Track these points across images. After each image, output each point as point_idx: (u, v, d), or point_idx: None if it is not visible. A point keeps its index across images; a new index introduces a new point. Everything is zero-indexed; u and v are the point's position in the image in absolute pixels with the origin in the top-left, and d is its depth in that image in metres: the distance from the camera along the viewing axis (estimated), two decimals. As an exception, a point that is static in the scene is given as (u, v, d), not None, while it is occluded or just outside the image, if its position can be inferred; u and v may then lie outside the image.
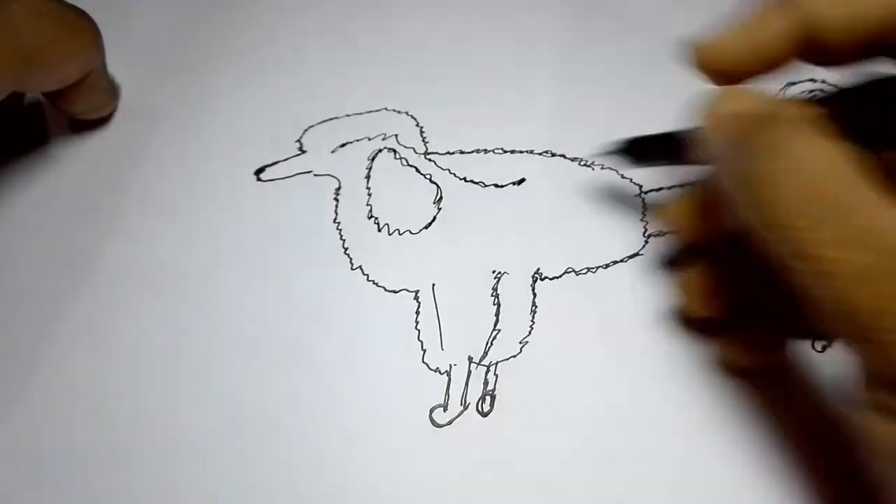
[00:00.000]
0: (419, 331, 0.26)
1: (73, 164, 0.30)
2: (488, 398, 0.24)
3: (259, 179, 0.29)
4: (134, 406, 0.25)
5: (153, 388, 0.25)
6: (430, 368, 0.25)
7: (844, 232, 0.15)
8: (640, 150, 0.25)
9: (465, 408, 0.24)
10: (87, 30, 0.27)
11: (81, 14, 0.27)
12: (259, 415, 0.24)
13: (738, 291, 0.22)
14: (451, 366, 0.25)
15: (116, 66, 0.31)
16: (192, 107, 0.31)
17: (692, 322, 0.25)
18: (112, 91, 0.30)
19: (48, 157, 0.30)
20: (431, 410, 0.24)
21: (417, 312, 0.26)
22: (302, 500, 0.23)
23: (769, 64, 0.18)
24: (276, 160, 0.29)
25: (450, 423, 0.24)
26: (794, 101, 0.17)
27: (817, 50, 0.18)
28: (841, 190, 0.15)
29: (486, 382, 0.25)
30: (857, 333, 0.15)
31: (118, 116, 0.31)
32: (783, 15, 0.18)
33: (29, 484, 0.23)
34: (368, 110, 0.31)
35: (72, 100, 0.28)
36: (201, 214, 0.28)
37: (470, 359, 0.25)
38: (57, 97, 0.28)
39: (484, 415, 0.24)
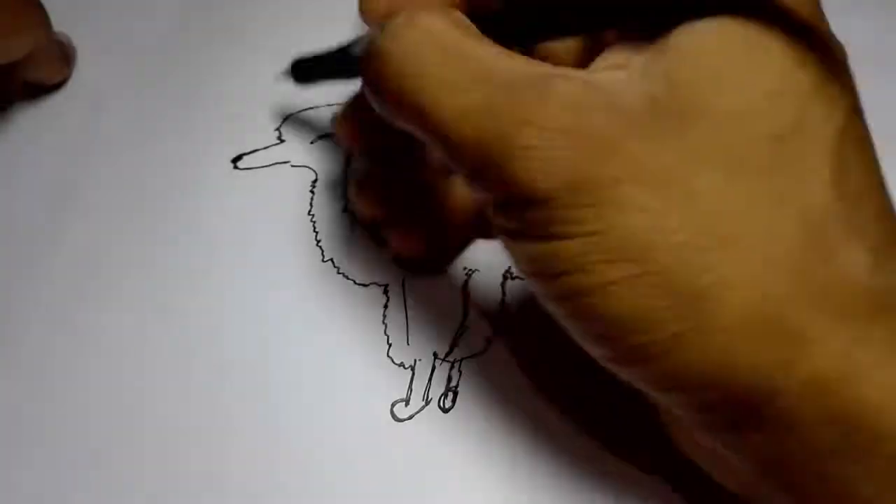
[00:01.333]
0: (386, 325, 0.26)
1: (27, 134, 0.30)
2: (451, 395, 0.25)
3: (236, 167, 0.29)
4: (92, 396, 0.25)
5: (111, 378, 0.25)
6: (394, 363, 0.25)
7: (456, 76, 0.16)
8: (307, 68, 0.26)
9: (427, 403, 0.25)
10: (29, 6, 0.27)
11: None
12: (220, 402, 0.25)
13: (401, 190, 0.25)
14: (415, 361, 0.25)
15: (84, 39, 0.31)
16: (167, 88, 0.31)
17: (365, 226, 0.27)
18: (63, 59, 0.30)
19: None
20: (393, 405, 0.25)
21: (385, 307, 0.26)
22: (261, 493, 0.23)
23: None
24: (254, 148, 0.29)
25: (410, 417, 0.24)
26: None
27: None
28: (454, 42, 0.16)
29: (449, 378, 0.25)
30: (470, 169, 0.16)
31: (89, 119, 0.30)
32: None
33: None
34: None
35: (19, 69, 0.28)
36: (171, 197, 0.28)
37: (435, 354, 0.25)
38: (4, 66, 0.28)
39: (445, 411, 0.25)
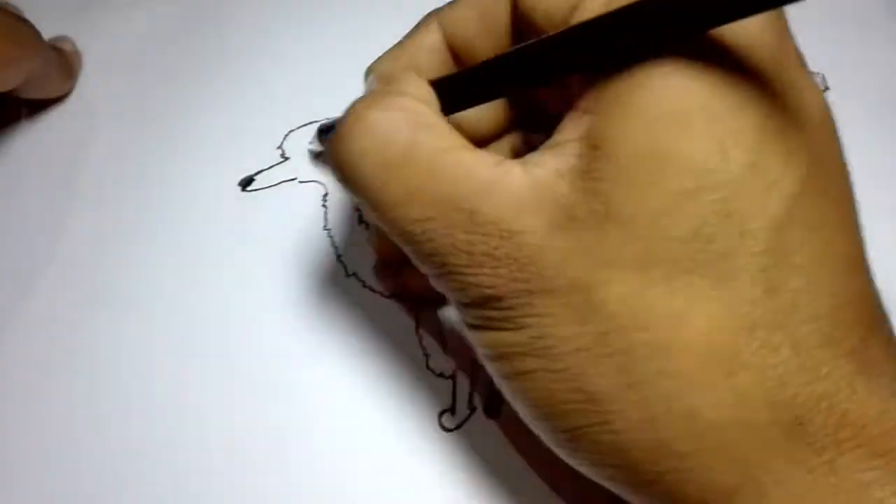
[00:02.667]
0: (420, 336, 0.25)
1: (29, 148, 0.29)
2: (495, 399, 0.24)
3: (245, 190, 0.28)
4: (109, 420, 0.24)
5: (130, 403, 0.24)
6: (435, 374, 0.25)
7: (398, 192, 0.16)
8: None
9: (473, 410, 0.24)
10: (21, 38, 0.26)
11: (20, 20, 0.26)
12: (261, 426, 0.24)
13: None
14: (455, 369, 0.25)
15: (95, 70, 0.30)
16: (169, 112, 0.30)
17: (383, 267, 0.26)
18: (65, 74, 0.30)
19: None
20: (440, 415, 0.24)
21: (417, 317, 0.26)
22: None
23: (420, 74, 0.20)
24: (259, 168, 0.29)
25: (459, 426, 0.24)
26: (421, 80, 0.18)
27: (462, 59, 0.20)
28: (399, 149, 0.16)
29: (491, 383, 0.25)
30: (434, 273, 0.17)
31: (91, 133, 0.30)
32: (430, 30, 0.20)
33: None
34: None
35: (19, 91, 0.27)
36: (182, 227, 0.27)
37: (474, 360, 0.25)
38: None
39: (492, 416, 0.24)
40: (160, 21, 0.32)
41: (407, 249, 0.17)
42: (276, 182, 0.28)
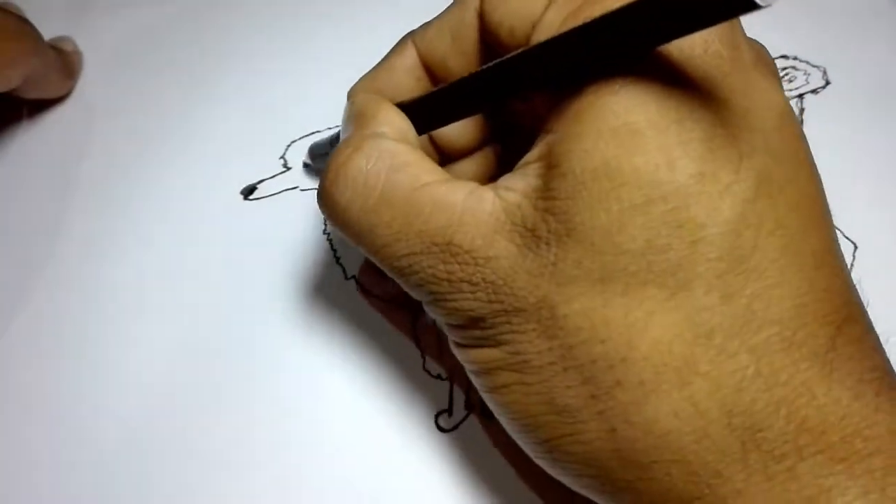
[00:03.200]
0: (417, 338, 0.25)
1: (30, 150, 0.30)
2: (490, 401, 0.24)
3: (247, 199, 0.29)
4: (107, 420, 0.24)
5: (131, 404, 0.25)
6: (431, 375, 0.25)
7: (382, 231, 0.18)
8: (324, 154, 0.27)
9: (470, 411, 0.24)
10: (22, 37, 0.27)
11: (21, 20, 0.27)
12: (260, 428, 0.24)
13: None
14: (451, 371, 0.25)
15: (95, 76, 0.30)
16: (171, 117, 0.31)
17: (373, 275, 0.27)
18: (65, 74, 0.30)
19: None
20: (436, 416, 0.24)
21: (415, 319, 0.26)
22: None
23: (397, 95, 0.20)
24: (260, 178, 0.29)
25: (456, 427, 0.24)
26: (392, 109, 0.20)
27: (437, 78, 0.21)
28: (382, 187, 0.18)
29: (487, 384, 0.25)
30: (424, 300, 0.18)
31: (91, 136, 0.30)
32: (406, 51, 0.21)
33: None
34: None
35: (19, 91, 0.28)
36: (186, 233, 0.28)
37: (470, 362, 0.25)
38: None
39: (489, 417, 0.24)
40: (162, 24, 0.33)
41: (399, 282, 0.18)
42: (278, 191, 0.29)
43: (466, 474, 0.23)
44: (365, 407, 0.24)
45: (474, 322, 0.17)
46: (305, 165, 0.29)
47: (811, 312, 0.15)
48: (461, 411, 0.24)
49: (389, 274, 0.18)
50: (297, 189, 0.29)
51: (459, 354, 0.18)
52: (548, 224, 0.15)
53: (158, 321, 0.26)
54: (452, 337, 0.18)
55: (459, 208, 0.17)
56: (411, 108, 0.19)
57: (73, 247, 0.28)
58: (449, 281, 0.17)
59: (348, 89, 0.22)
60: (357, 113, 0.20)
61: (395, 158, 0.18)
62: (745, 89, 0.15)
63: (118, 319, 0.26)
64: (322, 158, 0.27)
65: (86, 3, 0.33)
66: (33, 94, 0.30)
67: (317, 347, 0.25)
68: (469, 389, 0.25)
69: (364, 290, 0.26)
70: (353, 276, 0.27)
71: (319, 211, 0.28)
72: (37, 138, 0.31)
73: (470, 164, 0.22)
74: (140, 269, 0.27)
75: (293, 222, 0.28)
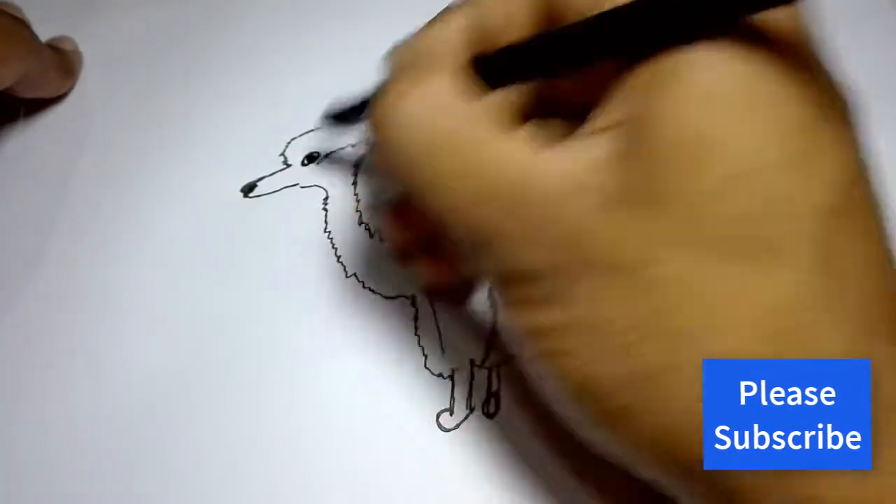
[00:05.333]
0: (419, 336, 0.25)
1: (28, 148, 0.30)
2: (493, 400, 0.24)
3: (247, 196, 0.28)
4: (108, 419, 0.24)
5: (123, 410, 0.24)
6: (433, 374, 0.25)
7: (441, 169, 0.17)
8: (343, 114, 0.26)
9: (471, 411, 0.24)
10: (15, 36, 0.27)
11: (15, 20, 0.27)
12: (258, 427, 0.24)
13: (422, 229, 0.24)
14: (453, 370, 0.25)
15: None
16: (170, 115, 0.30)
17: (397, 252, 0.26)
18: (64, 73, 0.30)
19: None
20: (438, 415, 0.24)
21: (416, 318, 0.26)
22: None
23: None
24: (260, 175, 0.29)
25: (457, 426, 0.24)
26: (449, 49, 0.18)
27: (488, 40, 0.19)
28: (441, 128, 0.17)
29: (489, 384, 0.25)
30: (475, 251, 0.17)
31: (92, 131, 0.30)
32: (454, 16, 0.19)
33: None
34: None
35: (16, 90, 0.28)
36: (186, 231, 0.28)
37: (472, 362, 0.25)
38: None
39: (490, 416, 0.24)
40: (162, 23, 0.33)
41: (447, 227, 0.17)
42: (278, 188, 0.29)
43: (468, 473, 0.23)
44: (365, 405, 0.24)
45: (534, 279, 0.16)
46: (326, 120, 0.28)
47: (889, 298, 0.15)
48: (463, 410, 0.24)
49: (436, 215, 0.17)
50: (298, 186, 0.29)
51: (514, 315, 0.17)
52: (635, 186, 0.15)
53: (155, 320, 0.26)
54: (505, 296, 0.18)
55: (530, 160, 0.16)
56: (477, 64, 0.18)
57: (71, 246, 0.28)
58: (515, 231, 0.16)
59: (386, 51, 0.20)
60: (414, 53, 0.19)
61: (459, 97, 0.17)
62: (827, 76, 0.15)
63: (115, 318, 0.26)
64: (350, 114, 0.26)
65: (85, 4, 0.33)
66: (31, 93, 0.29)
67: (316, 346, 0.25)
68: (471, 389, 0.24)
69: (366, 286, 0.26)
70: (354, 274, 0.27)
71: (319, 210, 0.29)
72: (34, 137, 0.30)
73: None
74: (138, 268, 0.27)
75: (294, 220, 0.28)
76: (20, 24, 0.27)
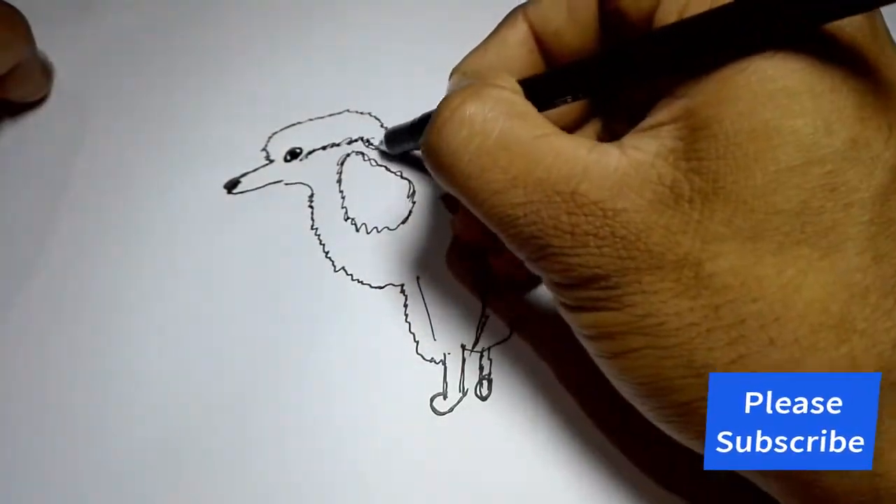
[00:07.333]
0: (409, 323, 0.26)
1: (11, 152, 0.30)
2: (485, 383, 0.25)
3: (230, 193, 0.29)
4: (106, 420, 0.24)
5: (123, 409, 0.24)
6: (424, 359, 0.25)
7: (496, 178, 0.17)
8: (398, 137, 0.27)
9: (464, 394, 0.25)
10: (15, 22, 0.27)
11: (12, 8, 0.27)
12: (255, 420, 0.24)
13: None
14: (445, 355, 0.25)
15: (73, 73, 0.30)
16: (151, 115, 0.30)
17: (465, 248, 0.27)
18: (45, 75, 0.30)
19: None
20: (432, 399, 0.24)
21: (406, 306, 0.26)
22: (312, 496, 0.23)
23: (512, 71, 0.20)
24: (244, 171, 0.29)
25: (451, 409, 0.24)
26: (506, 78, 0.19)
27: (550, 51, 0.20)
28: (495, 137, 0.17)
29: (481, 368, 0.25)
30: (534, 256, 0.17)
31: (71, 134, 0.30)
32: (516, 25, 0.20)
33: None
34: (330, 113, 0.31)
35: (2, 86, 0.28)
36: (169, 230, 0.28)
37: (463, 346, 0.26)
38: None
39: (483, 399, 0.25)
40: (143, 24, 0.32)
41: (505, 235, 0.18)
42: (262, 184, 0.29)
43: (462, 456, 0.24)
44: (359, 392, 0.24)
45: (594, 281, 0.16)
46: (380, 149, 0.29)
47: None
48: (456, 394, 0.25)
49: (494, 224, 0.18)
50: (282, 183, 0.29)
51: (571, 318, 0.18)
52: (692, 183, 0.15)
53: (146, 318, 0.26)
54: (565, 300, 0.18)
55: (584, 160, 0.16)
56: (527, 85, 0.19)
57: (55, 247, 0.27)
58: (571, 234, 0.16)
59: (452, 67, 0.21)
60: (470, 73, 0.20)
61: (514, 107, 0.17)
62: (889, 62, 0.16)
63: (105, 318, 0.26)
64: (401, 140, 0.27)
65: (67, 5, 0.33)
66: (17, 91, 0.29)
67: (307, 339, 0.25)
68: (463, 372, 0.25)
69: (354, 278, 0.27)
70: (342, 268, 0.27)
71: (305, 207, 0.29)
72: (20, 140, 0.30)
73: None
74: (126, 268, 0.27)
75: (279, 216, 0.28)
76: (18, 13, 0.27)
